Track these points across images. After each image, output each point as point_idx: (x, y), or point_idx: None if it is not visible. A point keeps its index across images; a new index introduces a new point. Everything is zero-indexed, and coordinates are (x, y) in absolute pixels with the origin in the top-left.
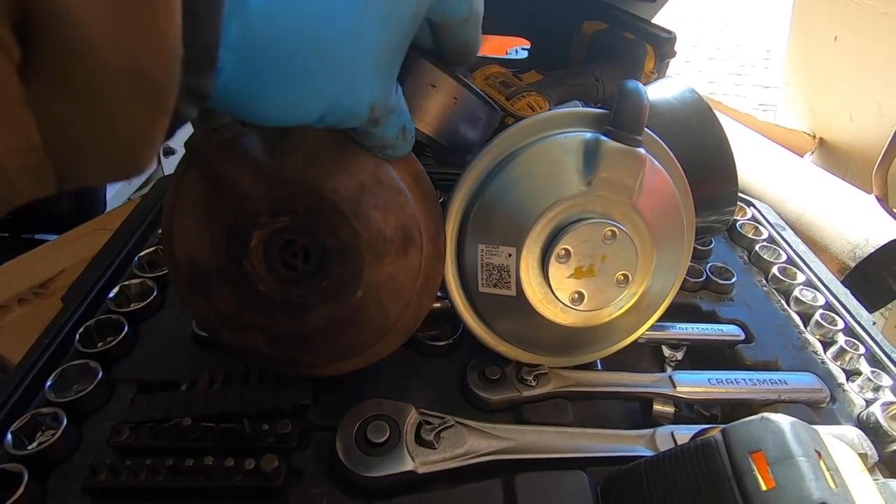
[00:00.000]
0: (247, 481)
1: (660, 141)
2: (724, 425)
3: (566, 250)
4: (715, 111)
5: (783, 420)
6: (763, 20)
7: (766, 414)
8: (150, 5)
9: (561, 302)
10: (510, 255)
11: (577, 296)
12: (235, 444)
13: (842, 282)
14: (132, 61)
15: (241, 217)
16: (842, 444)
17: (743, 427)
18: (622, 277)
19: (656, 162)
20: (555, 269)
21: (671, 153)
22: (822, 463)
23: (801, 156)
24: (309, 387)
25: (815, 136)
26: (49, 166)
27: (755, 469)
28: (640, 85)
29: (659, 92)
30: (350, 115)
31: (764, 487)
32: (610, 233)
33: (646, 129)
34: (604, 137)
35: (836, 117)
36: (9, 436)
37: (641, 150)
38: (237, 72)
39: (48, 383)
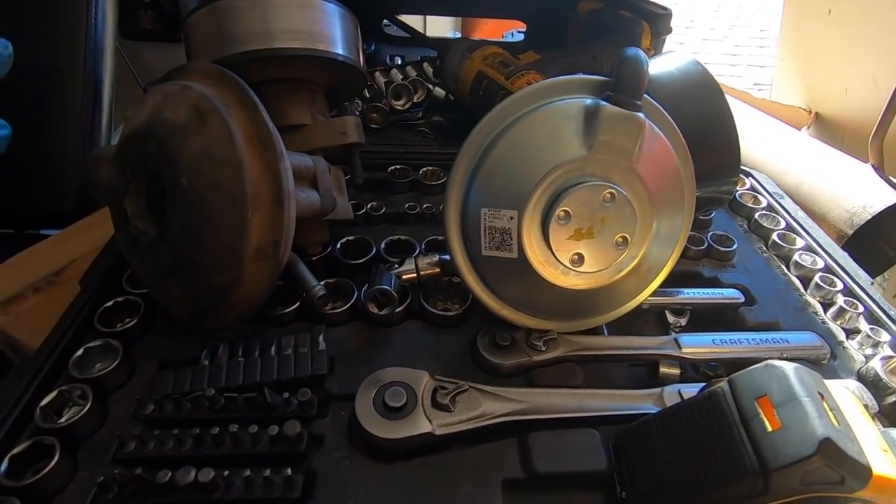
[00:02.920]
0: (270, 447)
1: (661, 109)
2: (729, 376)
3: (566, 212)
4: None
5: (787, 365)
6: (756, 1)
7: (770, 361)
8: None
9: (562, 263)
10: (512, 217)
11: (576, 257)
12: (257, 412)
13: (842, 248)
14: None
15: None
16: (843, 388)
17: (748, 375)
18: (621, 240)
19: (656, 128)
20: (555, 230)
21: (672, 121)
22: (824, 403)
23: (798, 130)
24: (325, 358)
25: (810, 111)
26: None
27: (761, 413)
28: (641, 51)
29: (663, 65)
30: None
31: (770, 429)
32: (609, 195)
33: (647, 97)
34: (603, 102)
35: (832, 91)
36: (38, 411)
37: (640, 114)
38: None
39: (72, 361)
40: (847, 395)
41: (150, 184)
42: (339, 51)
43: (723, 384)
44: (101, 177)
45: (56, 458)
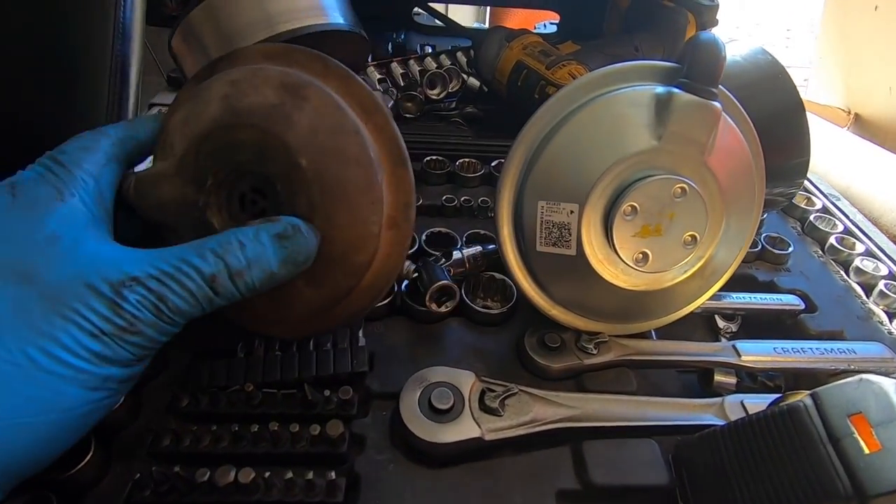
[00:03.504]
0: (311, 447)
1: (733, 99)
2: (806, 391)
3: (633, 207)
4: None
5: (886, 381)
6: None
7: (864, 376)
8: None
9: (624, 262)
10: (572, 211)
11: (640, 256)
12: (296, 409)
13: None
14: None
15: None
16: None
17: (838, 389)
18: (690, 238)
19: (730, 120)
20: (619, 226)
21: (745, 113)
22: None
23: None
24: (365, 354)
25: (849, 112)
26: None
27: (855, 432)
28: (717, 36)
29: (728, 53)
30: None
31: (867, 451)
32: (680, 190)
33: (721, 87)
34: (677, 90)
35: (875, 91)
36: None
37: (716, 103)
38: None
39: None
40: None
41: (242, 182)
42: (340, 20)
43: (804, 398)
44: (164, 196)
45: (91, 451)
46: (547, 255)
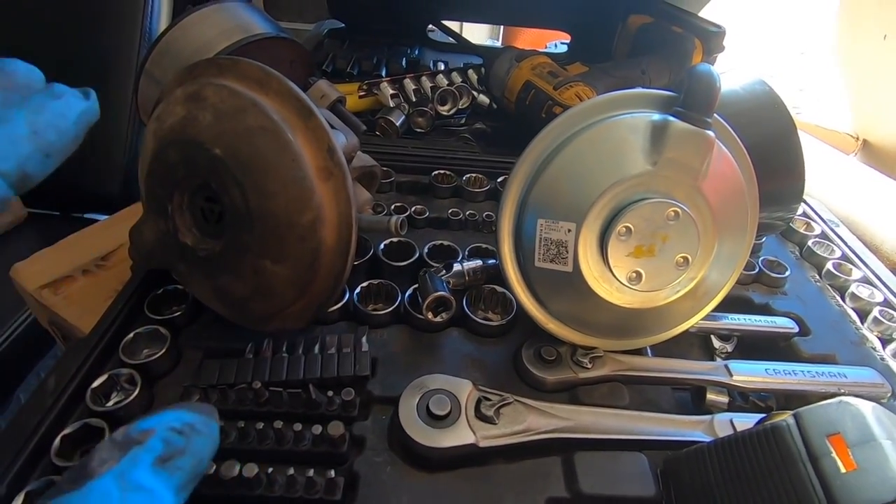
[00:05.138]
0: (313, 446)
1: (728, 127)
2: (790, 411)
3: (627, 228)
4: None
5: (863, 404)
6: (797, 21)
7: (843, 398)
8: None
9: (618, 280)
10: (570, 230)
11: (634, 275)
12: (300, 409)
13: None
14: None
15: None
16: None
17: (818, 410)
18: (682, 260)
19: (724, 147)
20: (614, 246)
21: (740, 141)
22: None
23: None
24: (368, 359)
25: (857, 138)
26: None
27: (833, 451)
28: (713, 68)
29: (727, 82)
30: None
31: (844, 470)
32: (673, 213)
33: (715, 114)
34: (672, 118)
35: (883, 118)
36: (89, 393)
37: (710, 132)
38: None
39: (122, 346)
40: None
41: (196, 198)
42: (264, 30)
43: (787, 418)
44: (150, 239)
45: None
46: (545, 270)
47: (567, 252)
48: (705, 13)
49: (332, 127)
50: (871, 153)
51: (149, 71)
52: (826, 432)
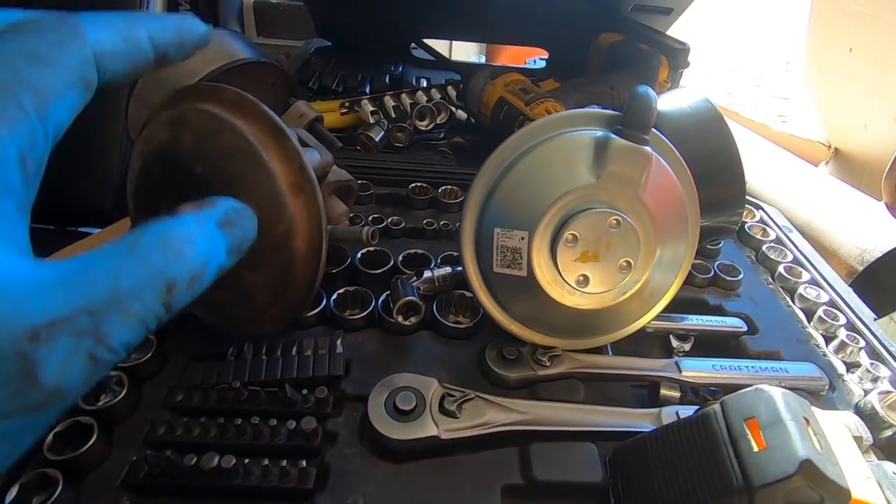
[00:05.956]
0: (288, 440)
1: (668, 142)
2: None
3: (574, 235)
4: (727, 119)
5: (775, 390)
6: (783, 31)
7: (760, 385)
8: None
9: (567, 283)
10: (523, 238)
11: (582, 278)
12: (277, 406)
13: (850, 285)
14: None
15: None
16: (834, 418)
17: (739, 397)
18: (625, 264)
19: (663, 161)
20: (563, 252)
21: (679, 154)
22: (809, 428)
23: (816, 165)
24: (342, 360)
25: (830, 146)
26: None
27: (749, 433)
28: (651, 90)
29: (675, 101)
30: None
31: (756, 449)
32: (615, 221)
33: (656, 131)
34: (613, 135)
35: (852, 127)
36: None
37: (648, 148)
38: None
39: None
40: (836, 424)
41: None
42: (245, 56)
43: (715, 406)
44: None
45: (94, 437)
46: (503, 275)
47: (521, 258)
48: (698, 26)
49: (307, 145)
50: (843, 161)
51: (137, 94)
52: (744, 416)
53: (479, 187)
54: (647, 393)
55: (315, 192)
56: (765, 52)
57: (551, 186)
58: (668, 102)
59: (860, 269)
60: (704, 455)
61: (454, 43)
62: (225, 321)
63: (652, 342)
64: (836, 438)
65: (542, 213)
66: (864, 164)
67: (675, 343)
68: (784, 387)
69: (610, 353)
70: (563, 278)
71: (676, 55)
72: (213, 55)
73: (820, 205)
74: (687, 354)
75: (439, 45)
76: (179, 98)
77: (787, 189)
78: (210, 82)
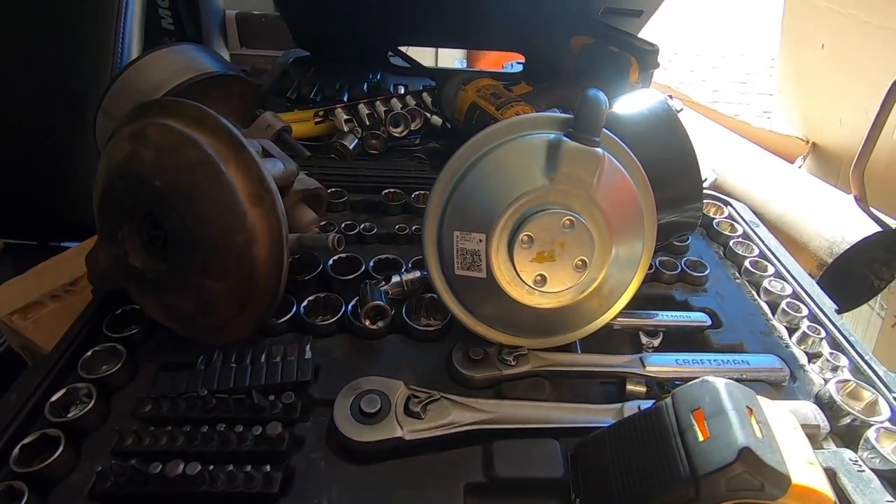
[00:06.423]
0: (254, 446)
1: (621, 144)
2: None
3: (529, 236)
4: (684, 121)
5: (719, 381)
6: (767, 29)
7: (706, 377)
8: None
9: (526, 283)
10: (481, 240)
11: (539, 278)
12: (245, 413)
13: (820, 277)
14: None
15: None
16: (783, 409)
17: (687, 389)
18: (580, 263)
19: (616, 161)
20: (519, 253)
21: (632, 155)
22: (752, 417)
23: (794, 160)
24: (310, 366)
25: (807, 141)
26: None
27: (695, 424)
28: (601, 93)
29: (633, 103)
30: None
31: (701, 439)
32: (568, 222)
33: (609, 133)
34: (565, 138)
35: (827, 122)
36: (47, 406)
37: (599, 150)
38: None
39: (81, 362)
40: (783, 412)
41: (143, 224)
42: (213, 69)
43: (667, 398)
44: (104, 262)
45: (60, 449)
46: (465, 277)
47: (481, 260)
48: (688, 25)
49: (271, 155)
50: (820, 156)
51: (104, 108)
52: (691, 408)
53: (438, 192)
54: (615, 389)
55: (275, 202)
56: (750, 50)
57: (506, 189)
58: (625, 105)
59: (829, 261)
60: (656, 446)
61: (440, 51)
62: (193, 330)
63: (622, 339)
64: (781, 427)
65: (499, 216)
66: (840, 158)
67: (644, 339)
68: (746, 379)
69: (579, 350)
70: (521, 278)
71: (646, 56)
72: (179, 69)
73: (792, 199)
74: (656, 350)
75: (427, 52)
76: (141, 113)
77: (760, 185)
78: (172, 97)
